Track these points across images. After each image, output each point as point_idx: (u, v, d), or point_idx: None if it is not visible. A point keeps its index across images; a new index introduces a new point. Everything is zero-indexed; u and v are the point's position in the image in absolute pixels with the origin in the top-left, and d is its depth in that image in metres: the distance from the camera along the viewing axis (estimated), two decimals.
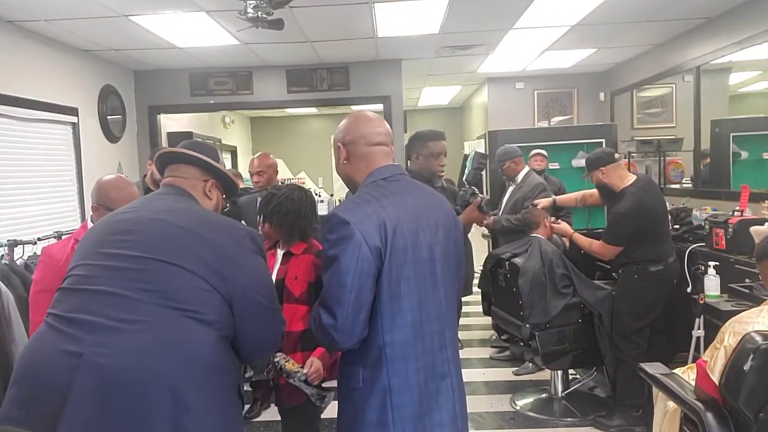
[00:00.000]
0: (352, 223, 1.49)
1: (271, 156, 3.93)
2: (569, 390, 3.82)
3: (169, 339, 1.37)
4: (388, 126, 1.75)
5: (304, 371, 2.12)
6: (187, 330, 1.40)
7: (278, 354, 2.14)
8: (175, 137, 6.01)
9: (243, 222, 3.26)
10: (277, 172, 3.93)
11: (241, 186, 4.34)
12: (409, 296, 1.55)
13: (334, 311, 1.49)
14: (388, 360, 1.53)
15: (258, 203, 3.13)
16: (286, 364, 2.13)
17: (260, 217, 2.38)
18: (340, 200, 7.36)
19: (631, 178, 3.36)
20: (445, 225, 1.69)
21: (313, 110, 9.87)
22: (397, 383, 1.54)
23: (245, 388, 1.72)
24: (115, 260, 1.45)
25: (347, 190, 4.06)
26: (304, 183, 7.65)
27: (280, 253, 2.39)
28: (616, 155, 3.57)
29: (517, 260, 3.60)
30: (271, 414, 2.53)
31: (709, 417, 1.87)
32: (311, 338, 2.25)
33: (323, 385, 2.24)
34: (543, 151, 4.98)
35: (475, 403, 3.73)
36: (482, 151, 3.04)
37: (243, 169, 9.23)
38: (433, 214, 1.67)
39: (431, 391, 1.59)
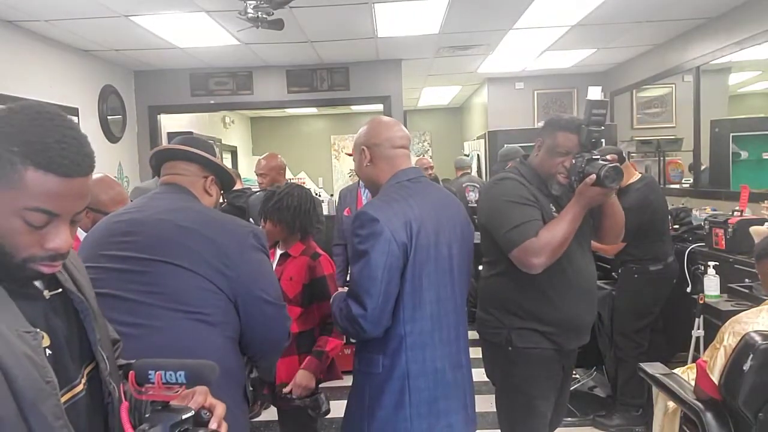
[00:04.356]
0: (382, 221, 1.58)
1: (279, 157, 3.90)
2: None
3: (174, 342, 1.36)
4: (407, 130, 1.83)
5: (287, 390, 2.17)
6: (192, 333, 1.39)
7: None
8: (175, 137, 6.00)
9: (251, 220, 3.24)
10: (283, 173, 3.90)
11: (240, 186, 4.33)
12: (429, 290, 1.64)
13: (364, 302, 1.57)
14: (408, 348, 1.63)
15: None
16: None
17: (261, 216, 2.38)
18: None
19: (636, 176, 3.38)
20: (462, 224, 1.79)
21: (313, 110, 9.87)
22: (416, 370, 1.63)
23: (248, 387, 1.73)
24: (118, 262, 1.44)
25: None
26: (304, 183, 7.65)
27: (278, 253, 2.40)
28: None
29: None
30: (272, 414, 2.52)
31: (709, 417, 1.88)
32: (307, 340, 2.27)
33: (320, 385, 2.25)
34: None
35: (476, 403, 3.73)
36: (598, 96, 2.00)
37: (243, 169, 9.24)
38: (452, 214, 1.77)
39: (448, 379, 1.69)
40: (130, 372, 0.96)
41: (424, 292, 1.63)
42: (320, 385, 2.37)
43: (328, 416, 2.52)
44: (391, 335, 1.62)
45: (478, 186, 5.48)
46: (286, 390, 2.17)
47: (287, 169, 4.17)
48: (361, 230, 1.60)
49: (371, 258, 1.56)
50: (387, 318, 1.60)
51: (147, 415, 0.95)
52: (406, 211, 1.62)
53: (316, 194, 6.21)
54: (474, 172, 7.23)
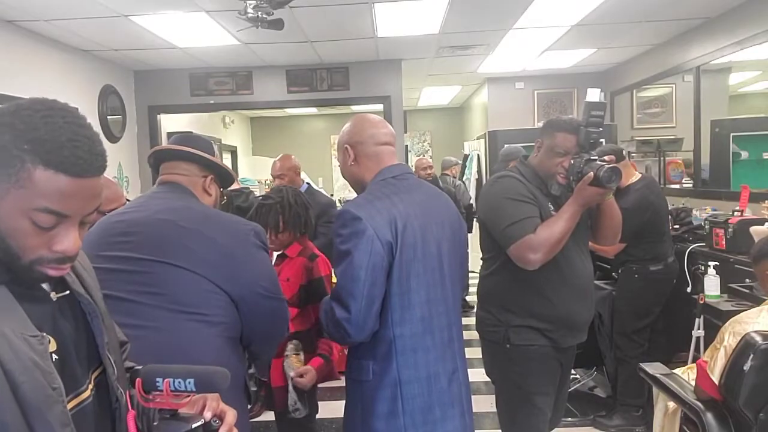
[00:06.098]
0: (364, 219, 1.51)
1: (293, 157, 3.90)
2: (569, 390, 3.82)
3: (174, 343, 1.36)
4: (391, 127, 1.78)
5: (292, 374, 2.13)
6: (192, 333, 1.39)
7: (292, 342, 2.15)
8: (174, 135, 6.00)
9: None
10: (299, 173, 3.89)
11: (236, 186, 4.32)
12: (418, 291, 1.57)
13: (348, 304, 1.50)
14: (398, 353, 1.55)
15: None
16: (293, 358, 2.14)
17: (271, 230, 2.28)
18: (340, 200, 7.36)
19: (636, 176, 3.38)
20: (451, 222, 1.73)
21: (313, 110, 9.87)
22: (407, 375, 1.56)
23: (252, 387, 1.72)
24: (117, 263, 1.43)
25: (349, 189, 3.98)
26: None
27: (275, 254, 2.39)
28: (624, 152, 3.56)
29: None
30: (272, 414, 2.53)
31: (709, 417, 1.87)
32: (303, 341, 2.25)
33: (319, 385, 2.25)
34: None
35: (475, 403, 3.72)
36: (596, 97, 2.04)
37: (243, 169, 9.23)
38: (440, 212, 1.71)
39: (441, 385, 1.61)
40: (137, 379, 0.94)
41: (413, 294, 1.56)
42: (319, 385, 2.37)
43: (328, 416, 2.52)
44: (380, 339, 1.55)
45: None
46: (294, 375, 2.12)
47: None
48: (342, 230, 1.53)
49: (354, 258, 1.49)
50: (373, 321, 1.52)
51: (155, 424, 0.92)
52: (391, 209, 1.54)
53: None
54: (473, 172, 7.23)
